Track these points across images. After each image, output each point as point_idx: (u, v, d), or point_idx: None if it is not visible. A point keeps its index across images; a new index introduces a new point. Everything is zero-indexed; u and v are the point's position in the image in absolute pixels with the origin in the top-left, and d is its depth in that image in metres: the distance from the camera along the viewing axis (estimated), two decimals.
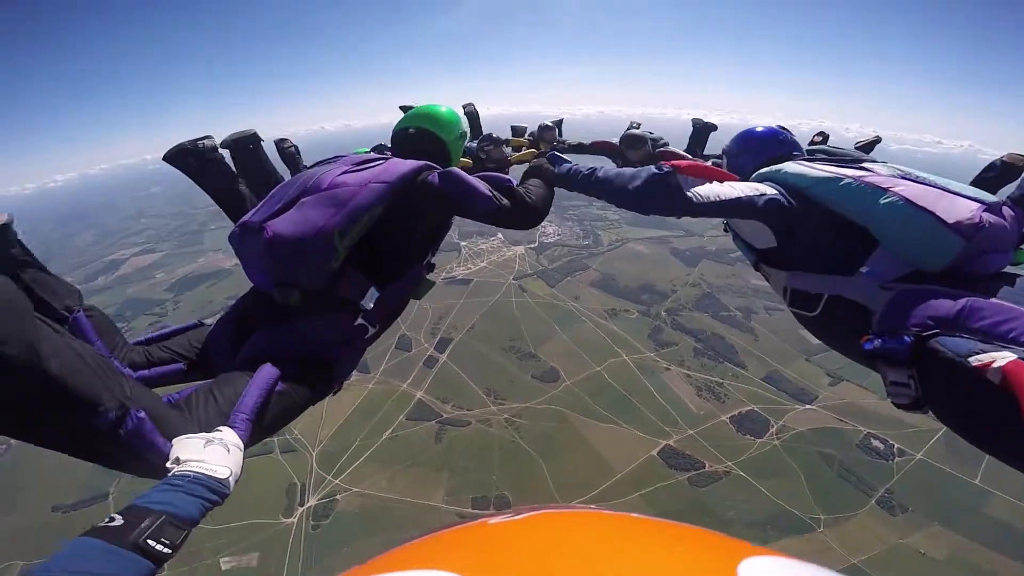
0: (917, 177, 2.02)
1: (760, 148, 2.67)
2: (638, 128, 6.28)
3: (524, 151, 6.59)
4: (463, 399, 40.42)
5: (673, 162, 2.28)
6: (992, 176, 3.45)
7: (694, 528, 0.55)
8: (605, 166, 2.49)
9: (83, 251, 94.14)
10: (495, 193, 2.17)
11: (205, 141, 2.71)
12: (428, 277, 2.57)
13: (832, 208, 2.09)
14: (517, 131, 6.92)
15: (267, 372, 1.76)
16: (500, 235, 68.28)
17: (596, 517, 0.63)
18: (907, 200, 1.88)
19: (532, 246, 67.27)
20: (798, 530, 28.08)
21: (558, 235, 71.17)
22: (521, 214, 2.23)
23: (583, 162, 2.71)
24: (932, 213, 1.82)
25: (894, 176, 2.02)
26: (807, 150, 2.79)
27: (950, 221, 1.79)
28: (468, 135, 2.89)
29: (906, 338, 1.65)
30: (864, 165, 2.15)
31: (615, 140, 6.23)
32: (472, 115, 6.80)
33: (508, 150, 6.45)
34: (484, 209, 2.15)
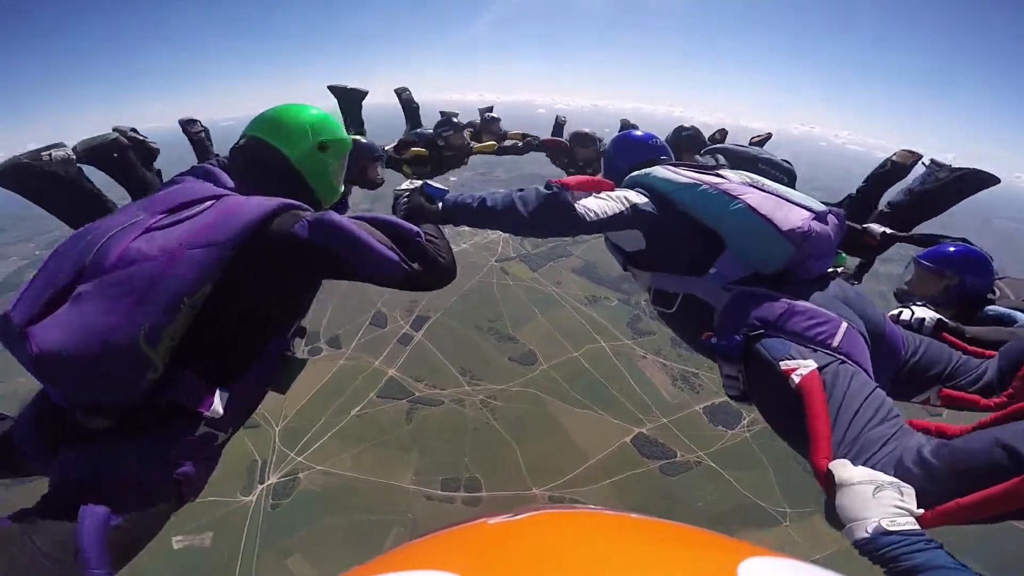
0: (763, 186, 2.19)
1: (633, 151, 2.75)
2: (637, 129, 6.36)
3: (486, 142, 6.44)
4: (437, 378, 39.38)
5: (560, 180, 2.28)
6: (884, 172, 3.90)
7: (694, 528, 0.55)
8: (493, 192, 2.31)
9: None
10: (402, 255, 1.69)
11: (53, 152, 2.27)
12: (297, 354, 1.97)
13: (689, 212, 2.22)
14: (445, 116, 6.43)
15: (90, 520, 1.29)
16: None
17: (596, 517, 0.62)
18: (750, 207, 2.05)
19: None
20: (764, 523, 28.20)
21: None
22: (433, 276, 1.80)
23: (463, 189, 2.50)
24: (770, 220, 2.01)
25: (744, 184, 2.18)
26: (710, 149, 3.33)
27: (784, 228, 1.99)
28: (342, 144, 2.05)
29: (737, 337, 1.86)
30: (720, 173, 2.28)
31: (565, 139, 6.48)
32: (407, 101, 6.46)
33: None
34: (389, 276, 1.68)
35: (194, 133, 3.42)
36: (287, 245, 1.60)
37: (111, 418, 1.45)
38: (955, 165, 3.43)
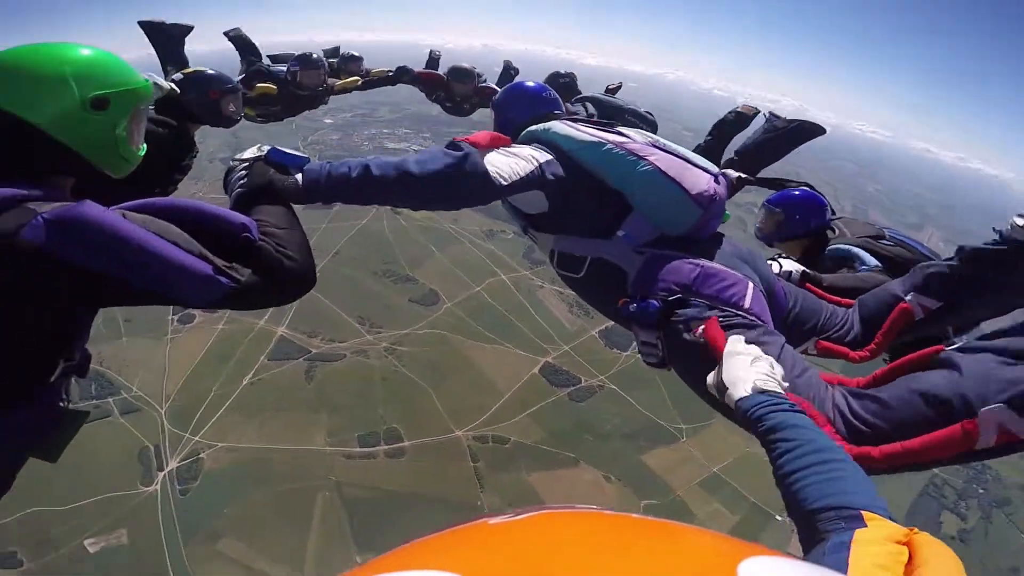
0: (665, 146, 2.14)
1: (529, 105, 2.58)
2: (516, 71, 6.77)
3: (345, 79, 5.92)
4: (334, 331, 37.12)
5: (465, 138, 2.07)
6: (729, 123, 4.20)
7: (694, 528, 0.58)
8: (375, 158, 1.82)
9: None
10: (222, 265, 1.21)
11: None
12: (71, 403, 1.42)
13: (593, 172, 2.12)
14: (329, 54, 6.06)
15: None
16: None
17: (596, 517, 0.63)
18: (660, 170, 2.01)
19: None
20: (665, 440, 30.96)
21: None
22: (275, 288, 1.32)
23: (338, 154, 1.73)
24: (679, 184, 2.00)
25: (648, 144, 2.10)
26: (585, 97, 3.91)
27: (692, 192, 2.01)
28: (132, 95, 1.42)
29: (654, 303, 1.84)
30: (622, 131, 2.18)
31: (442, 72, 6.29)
32: (239, 39, 5.81)
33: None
34: (197, 296, 1.20)
35: None
36: (18, 260, 1.07)
37: None
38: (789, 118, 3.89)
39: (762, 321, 1.84)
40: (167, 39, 4.78)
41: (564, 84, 4.97)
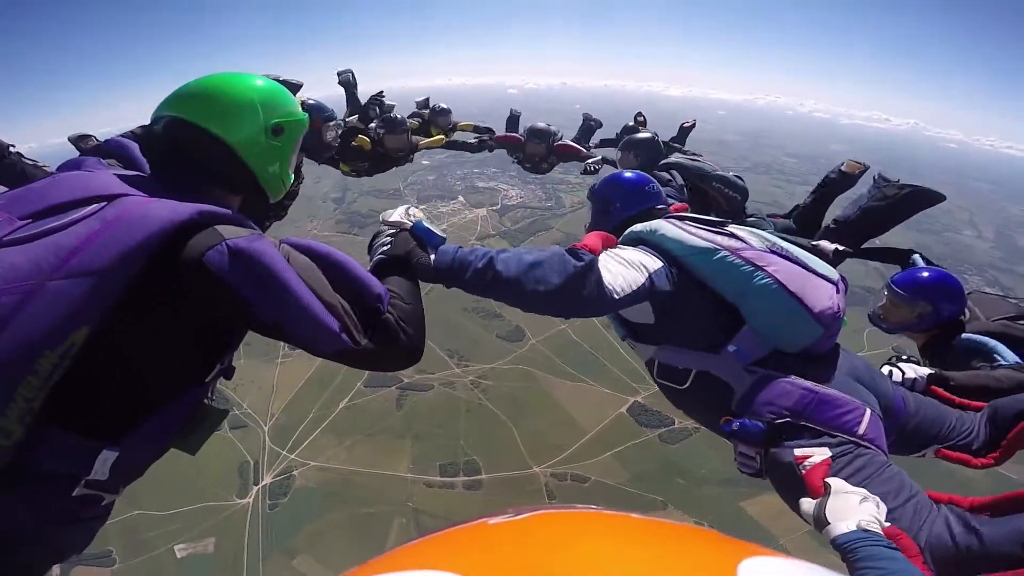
0: (783, 251, 1.97)
1: (635, 199, 2.39)
2: (597, 124, 6.80)
3: (434, 136, 6.18)
4: (425, 362, 36.67)
5: (583, 244, 1.91)
6: (832, 182, 3.97)
7: (694, 528, 0.59)
8: (503, 252, 1.78)
9: None
10: (349, 324, 1.28)
11: None
12: (213, 403, 1.49)
13: (705, 281, 1.96)
14: (382, 109, 6.13)
15: None
16: (461, 198, 65.27)
17: (596, 517, 0.64)
18: (780, 284, 1.85)
19: (495, 208, 64.91)
20: (771, 487, 27.60)
21: (520, 197, 68.61)
22: (387, 359, 1.38)
23: (467, 244, 1.91)
24: (800, 300, 1.84)
25: (766, 251, 1.94)
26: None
27: (816, 310, 1.85)
28: (299, 125, 1.57)
29: (760, 425, 1.77)
30: (736, 233, 2.00)
31: (521, 134, 6.35)
32: (347, 85, 6.08)
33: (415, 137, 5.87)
34: (320, 347, 1.27)
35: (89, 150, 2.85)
36: (195, 275, 1.18)
37: None
38: (902, 181, 3.51)
39: (875, 447, 1.75)
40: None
41: (646, 145, 4.38)
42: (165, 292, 1.18)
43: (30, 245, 1.09)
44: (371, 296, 1.37)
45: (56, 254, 1.07)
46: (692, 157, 4.10)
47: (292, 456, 31.33)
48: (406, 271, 1.63)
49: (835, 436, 1.73)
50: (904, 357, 2.69)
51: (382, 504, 28.03)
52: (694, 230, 2.00)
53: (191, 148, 1.39)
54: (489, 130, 6.75)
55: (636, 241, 2.11)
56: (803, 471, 1.65)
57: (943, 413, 2.16)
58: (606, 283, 1.81)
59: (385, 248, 1.70)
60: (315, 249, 1.40)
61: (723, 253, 1.91)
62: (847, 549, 1.25)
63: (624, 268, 1.89)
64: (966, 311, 3.00)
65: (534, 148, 6.20)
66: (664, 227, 2.05)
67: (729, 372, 1.93)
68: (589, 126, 6.79)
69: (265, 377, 37.93)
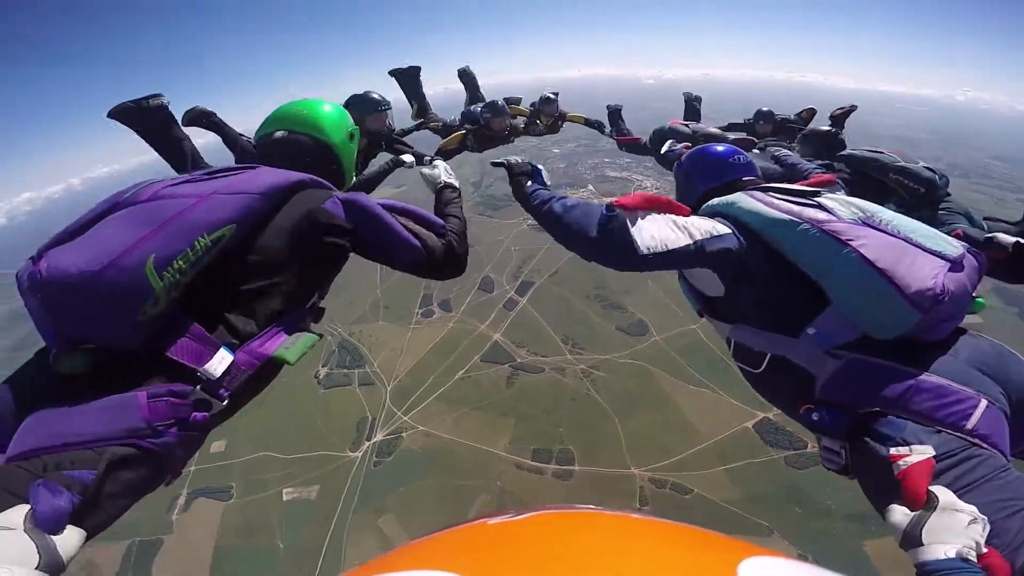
0: (882, 224, 1.76)
1: (714, 172, 2.34)
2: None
3: (544, 122, 6.90)
4: (539, 345, 38.44)
5: (619, 200, 1.96)
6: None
7: (694, 528, 0.58)
8: (562, 197, 2.09)
9: None
10: (424, 241, 1.83)
11: (152, 100, 3.19)
12: (313, 330, 1.77)
13: (785, 256, 1.81)
14: (512, 102, 7.09)
15: (44, 504, 1.08)
16: (591, 187, 64.00)
17: (596, 517, 0.66)
18: (865, 259, 1.64)
19: None
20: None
21: (656, 188, 65.27)
22: (450, 268, 1.94)
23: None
24: (891, 279, 1.60)
25: (857, 223, 1.76)
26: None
27: (910, 290, 1.58)
28: (358, 132, 2.34)
29: (844, 416, 1.60)
30: (823, 204, 1.85)
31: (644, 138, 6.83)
32: (467, 76, 7.40)
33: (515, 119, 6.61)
34: (408, 262, 1.84)
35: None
36: (317, 218, 1.65)
37: (88, 360, 1.32)
38: None
39: (988, 444, 1.44)
40: (409, 78, 6.71)
41: (824, 137, 4.65)
42: (289, 224, 1.60)
43: (204, 182, 1.54)
44: (436, 226, 1.92)
45: (222, 183, 1.53)
46: (872, 150, 3.76)
47: (405, 418, 33.62)
48: (518, 192, 2.28)
49: (939, 431, 1.45)
50: None
51: (473, 478, 28.68)
52: (775, 201, 1.90)
53: (306, 150, 2.03)
54: (599, 124, 7.42)
55: (712, 214, 2.03)
56: (899, 471, 1.40)
57: None
58: (633, 236, 1.83)
59: (515, 164, 2.37)
60: (387, 203, 1.86)
61: (804, 226, 1.78)
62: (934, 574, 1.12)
63: (661, 228, 1.87)
64: None
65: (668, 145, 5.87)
66: (741, 199, 1.98)
67: (808, 357, 1.74)
68: (694, 107, 7.42)
69: (398, 340, 41.30)
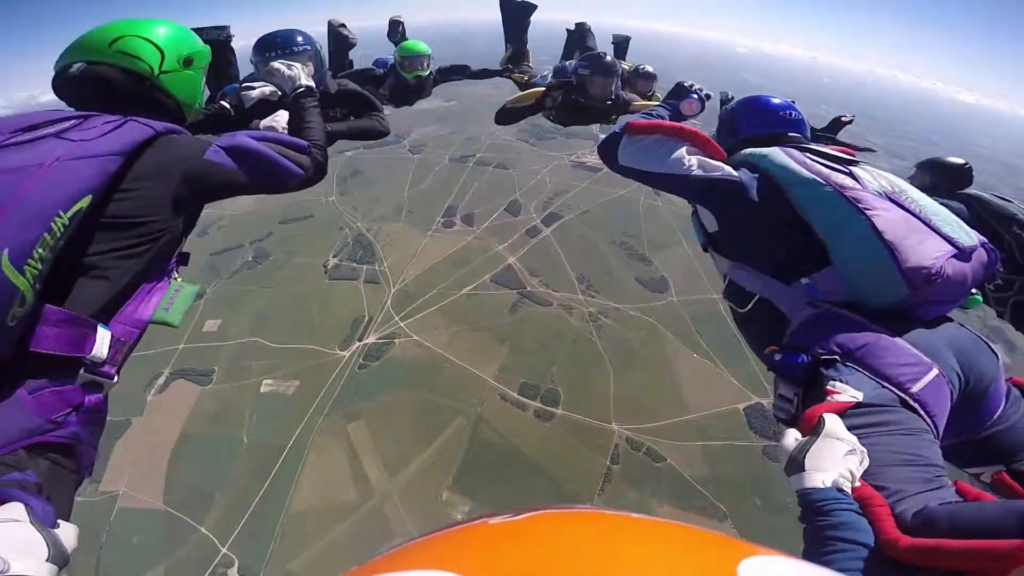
0: (905, 201, 1.83)
1: (756, 119, 2.42)
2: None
3: (644, 99, 5.02)
4: (553, 278, 37.52)
5: (632, 121, 2.23)
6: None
7: (694, 528, 0.59)
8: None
9: None
10: (301, 164, 1.91)
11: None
12: (187, 281, 1.77)
13: (802, 212, 1.92)
14: (620, 48, 6.37)
15: None
16: None
17: (596, 517, 0.65)
18: (874, 228, 1.73)
19: None
20: None
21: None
22: (316, 179, 2.02)
23: None
24: (893, 250, 1.69)
25: (880, 195, 1.82)
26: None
27: (906, 264, 1.67)
28: (203, 56, 2.01)
29: (804, 358, 1.64)
30: (855, 173, 1.90)
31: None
32: (579, 32, 6.20)
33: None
34: (292, 186, 1.93)
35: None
36: (205, 174, 1.63)
37: None
38: None
39: (924, 412, 1.50)
40: (517, 15, 5.86)
41: (952, 168, 3.91)
42: (155, 180, 1.51)
43: (32, 143, 1.32)
44: (302, 148, 1.94)
45: (63, 147, 1.33)
46: (1002, 198, 3.42)
47: (402, 324, 33.54)
48: (313, 105, 2.29)
49: (885, 387, 1.51)
50: None
51: (454, 399, 28.77)
52: (807, 161, 1.96)
53: (117, 83, 1.72)
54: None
55: (745, 163, 2.11)
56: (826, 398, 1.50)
57: None
58: (621, 149, 2.19)
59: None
60: (254, 134, 1.84)
61: (828, 188, 1.84)
62: (816, 507, 1.16)
63: (655, 154, 2.11)
64: None
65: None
66: (776, 154, 2.04)
67: (792, 305, 1.87)
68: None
69: (412, 244, 40.71)
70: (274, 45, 2.98)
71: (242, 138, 1.74)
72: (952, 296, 1.77)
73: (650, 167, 2.09)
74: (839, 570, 1.04)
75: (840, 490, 1.16)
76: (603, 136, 2.26)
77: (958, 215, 1.94)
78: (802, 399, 1.62)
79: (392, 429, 27.18)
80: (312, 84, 2.38)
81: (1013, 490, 1.62)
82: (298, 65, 2.44)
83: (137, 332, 1.50)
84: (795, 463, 1.25)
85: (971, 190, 3.65)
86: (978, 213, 3.35)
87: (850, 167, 1.93)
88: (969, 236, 1.78)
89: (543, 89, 4.61)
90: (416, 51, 5.09)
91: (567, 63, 5.33)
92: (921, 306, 1.74)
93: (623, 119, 2.53)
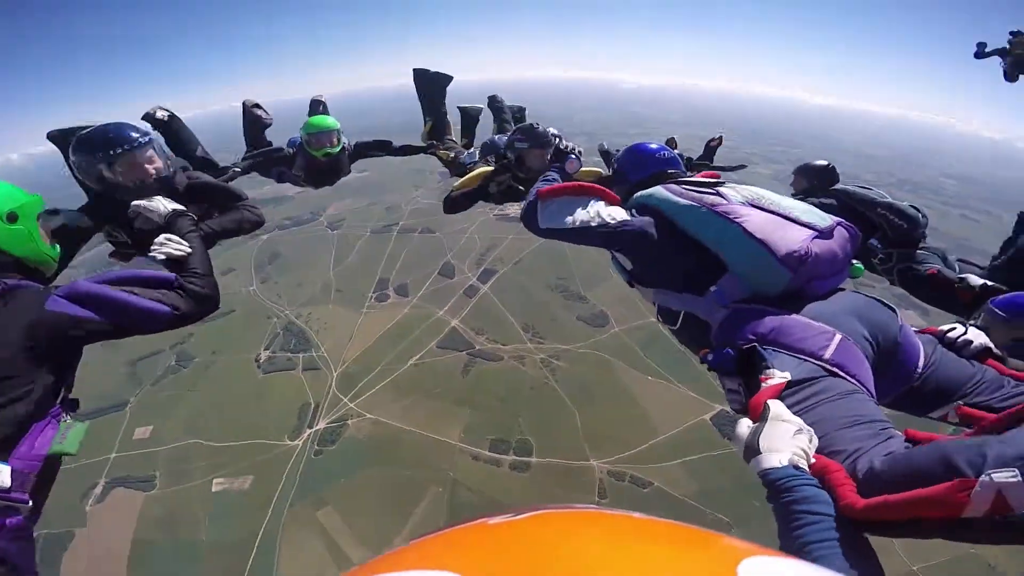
0: (763, 204, 2.13)
1: (639, 165, 2.77)
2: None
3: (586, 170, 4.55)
4: (499, 333, 37.27)
5: (540, 189, 2.59)
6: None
7: (694, 528, 0.60)
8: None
9: None
10: (169, 301, 1.88)
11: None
12: (72, 420, 1.78)
13: (693, 235, 2.21)
14: (470, 114, 6.21)
15: None
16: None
17: (597, 517, 0.66)
18: (744, 231, 2.02)
19: None
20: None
21: None
22: (201, 312, 1.98)
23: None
24: (765, 244, 1.97)
25: (743, 204, 2.13)
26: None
27: (780, 253, 1.94)
28: (32, 205, 1.92)
29: (729, 351, 1.83)
30: (721, 191, 2.24)
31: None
32: (495, 105, 6.22)
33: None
34: (156, 325, 1.87)
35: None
36: (50, 324, 1.63)
37: None
38: None
39: (845, 373, 1.67)
40: (431, 85, 5.75)
41: (819, 171, 4.74)
42: (10, 343, 1.58)
43: None
44: (168, 282, 1.94)
45: None
46: (863, 187, 3.89)
47: (351, 405, 31.67)
48: (190, 229, 2.28)
49: (805, 360, 1.69)
50: (973, 321, 2.60)
51: (423, 468, 27.13)
52: (683, 192, 2.29)
53: None
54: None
55: (637, 205, 2.46)
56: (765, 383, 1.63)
57: (971, 368, 1.96)
58: (540, 213, 2.56)
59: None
60: (110, 277, 1.87)
61: (703, 209, 2.15)
62: (777, 486, 1.22)
63: (568, 213, 2.48)
64: None
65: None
66: (658, 191, 2.37)
67: (707, 310, 2.13)
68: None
69: (347, 324, 39.08)
70: (107, 144, 2.44)
71: (81, 284, 1.74)
72: (831, 270, 2.04)
73: (566, 225, 2.43)
74: (811, 542, 1.11)
75: (796, 467, 1.25)
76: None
77: (828, 209, 2.31)
78: (747, 387, 1.79)
79: (365, 509, 24.97)
80: (179, 207, 2.36)
81: (976, 417, 1.73)
82: (157, 198, 2.39)
83: (38, 464, 1.61)
84: (751, 448, 1.34)
85: (840, 185, 4.10)
86: (846, 204, 3.75)
87: (716, 188, 2.26)
88: (823, 219, 2.09)
89: (487, 171, 4.41)
90: (322, 127, 4.83)
91: (495, 137, 5.25)
92: (809, 284, 2.00)
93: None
